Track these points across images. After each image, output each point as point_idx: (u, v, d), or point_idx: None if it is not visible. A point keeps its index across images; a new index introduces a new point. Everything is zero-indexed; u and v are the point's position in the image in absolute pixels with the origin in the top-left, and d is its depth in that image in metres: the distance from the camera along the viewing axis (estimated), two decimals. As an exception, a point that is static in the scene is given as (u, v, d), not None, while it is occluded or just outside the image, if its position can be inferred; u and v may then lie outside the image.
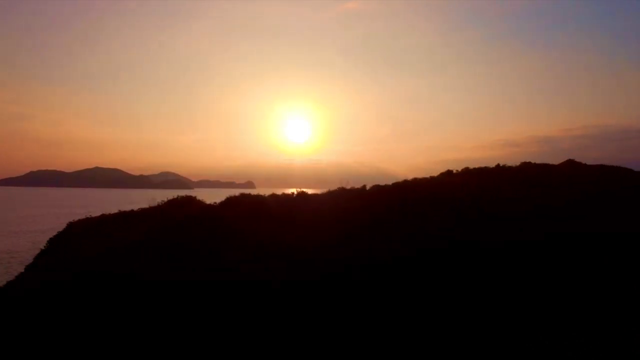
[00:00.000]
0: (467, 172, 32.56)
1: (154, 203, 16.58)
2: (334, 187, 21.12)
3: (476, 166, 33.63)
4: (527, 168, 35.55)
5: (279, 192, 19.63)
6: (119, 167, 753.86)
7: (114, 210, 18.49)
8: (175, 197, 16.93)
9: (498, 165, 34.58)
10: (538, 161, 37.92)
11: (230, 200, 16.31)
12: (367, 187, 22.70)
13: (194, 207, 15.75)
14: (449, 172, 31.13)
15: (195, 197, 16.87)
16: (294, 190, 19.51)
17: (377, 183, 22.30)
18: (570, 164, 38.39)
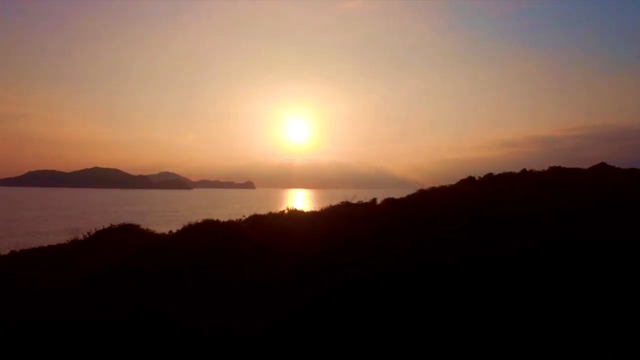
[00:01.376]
0: (489, 178, 28.68)
1: (78, 235, 12.20)
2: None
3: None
4: (555, 173, 31.97)
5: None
6: (118, 167, 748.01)
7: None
8: (110, 226, 12.62)
9: (524, 170, 30.78)
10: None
11: (191, 229, 12.08)
12: (378, 201, 18.28)
13: (139, 242, 11.46)
14: (470, 179, 27.02)
15: (138, 226, 12.56)
16: (285, 207, 15.16)
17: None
18: (602, 168, 34.98)
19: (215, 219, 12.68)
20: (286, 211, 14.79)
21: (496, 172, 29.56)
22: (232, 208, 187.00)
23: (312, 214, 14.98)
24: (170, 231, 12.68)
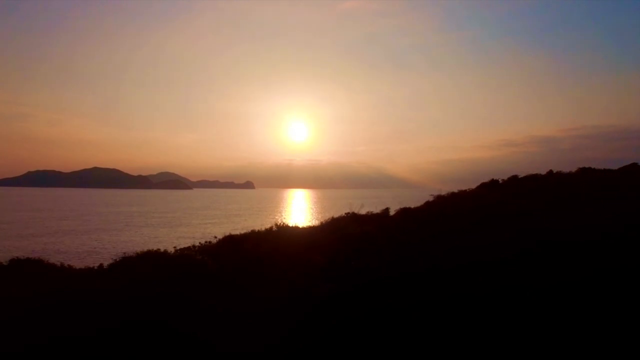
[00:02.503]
0: (513, 181, 25.14)
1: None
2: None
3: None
4: (585, 174, 28.51)
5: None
6: (117, 167, 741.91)
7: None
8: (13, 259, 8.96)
9: (550, 171, 27.31)
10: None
11: (126, 263, 8.45)
12: (391, 211, 14.61)
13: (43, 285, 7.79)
14: (493, 182, 23.43)
15: (42, 262, 8.94)
16: (274, 223, 11.50)
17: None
18: (636, 169, 31.58)
19: (162, 250, 8.94)
20: (274, 228, 11.21)
21: (516, 174, 26.19)
22: (229, 209, 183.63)
23: (309, 232, 11.38)
24: (101, 265, 9.03)
